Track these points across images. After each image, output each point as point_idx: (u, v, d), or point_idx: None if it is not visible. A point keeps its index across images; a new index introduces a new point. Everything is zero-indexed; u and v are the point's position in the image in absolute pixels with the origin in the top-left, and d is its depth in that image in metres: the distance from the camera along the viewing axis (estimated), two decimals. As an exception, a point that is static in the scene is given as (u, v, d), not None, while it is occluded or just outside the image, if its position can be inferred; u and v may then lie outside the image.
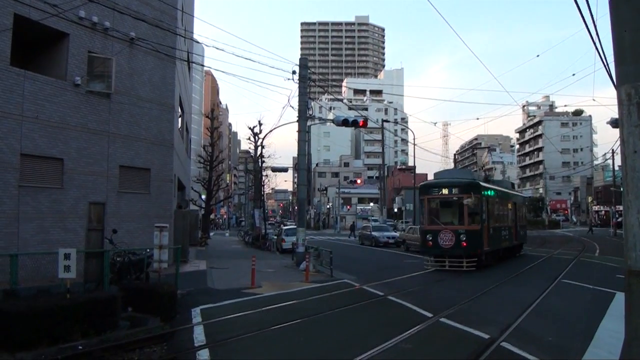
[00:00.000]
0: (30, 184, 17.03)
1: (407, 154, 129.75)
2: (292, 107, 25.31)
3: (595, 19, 11.19)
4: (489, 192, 24.34)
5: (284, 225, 47.96)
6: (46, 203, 17.51)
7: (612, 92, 9.63)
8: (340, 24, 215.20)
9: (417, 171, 61.32)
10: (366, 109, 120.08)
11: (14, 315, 8.62)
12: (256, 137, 48.89)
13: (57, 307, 9.12)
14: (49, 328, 8.88)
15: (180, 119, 27.82)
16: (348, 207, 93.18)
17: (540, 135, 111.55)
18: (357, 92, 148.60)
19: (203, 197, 54.63)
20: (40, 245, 16.66)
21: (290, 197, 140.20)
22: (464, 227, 22.02)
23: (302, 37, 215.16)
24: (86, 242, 12.61)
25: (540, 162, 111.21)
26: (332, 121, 26.22)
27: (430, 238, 22.53)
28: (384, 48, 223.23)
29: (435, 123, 68.42)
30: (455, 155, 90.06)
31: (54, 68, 18.55)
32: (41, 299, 9.48)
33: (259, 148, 48.20)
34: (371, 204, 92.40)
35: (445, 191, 23.25)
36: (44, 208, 17.38)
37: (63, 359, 8.17)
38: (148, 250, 14.67)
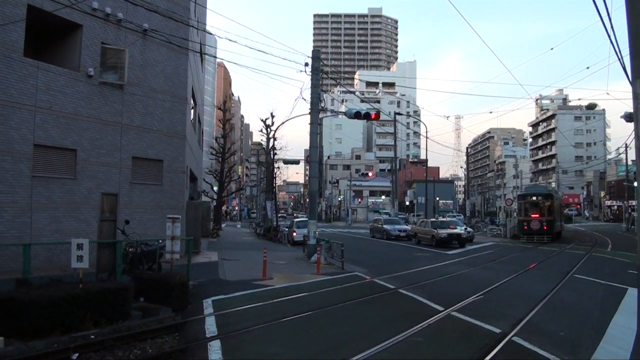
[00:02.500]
0: (43, 174, 17.14)
1: (419, 146, 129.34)
2: (304, 100, 25.28)
3: (610, 12, 11.10)
4: (555, 198, 41.28)
5: (295, 217, 48.04)
6: (59, 193, 17.62)
7: (627, 86, 9.53)
8: (353, 15, 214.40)
9: (429, 164, 61.12)
10: (378, 102, 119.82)
11: (26, 304, 8.69)
12: (268, 129, 48.99)
13: (70, 296, 9.19)
14: (61, 317, 8.95)
15: (192, 111, 27.86)
16: (359, 199, 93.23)
17: (553, 129, 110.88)
18: (369, 84, 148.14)
19: (215, 188, 54.75)
20: (53, 235, 16.78)
21: (302, 190, 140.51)
22: (545, 218, 38.04)
23: (314, 29, 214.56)
24: (99, 233, 12.67)
25: (553, 156, 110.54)
26: (345, 114, 26.12)
27: (525, 224, 38.58)
28: (396, 40, 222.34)
29: (447, 117, 68.35)
30: (467, 148, 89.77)
31: (67, 59, 18.62)
32: (54, 288, 9.54)
33: (271, 140, 48.24)
34: (383, 196, 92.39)
35: (534, 198, 39.80)
36: (56, 198, 17.50)
37: (75, 347, 8.23)
38: (160, 241, 14.71)
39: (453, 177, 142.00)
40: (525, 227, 38.38)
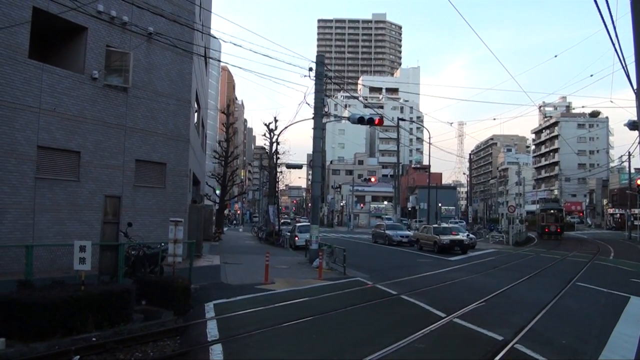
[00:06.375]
0: (46, 176, 17.18)
1: (422, 152, 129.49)
2: (308, 104, 25.26)
3: (614, 20, 11.11)
4: (564, 211, 63.01)
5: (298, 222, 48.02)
6: (62, 195, 17.65)
7: (631, 94, 9.54)
8: (357, 21, 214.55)
9: (432, 170, 61.11)
10: (382, 107, 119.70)
11: (28, 306, 8.71)
12: (271, 134, 48.99)
13: (72, 298, 9.20)
14: (63, 319, 8.97)
15: (196, 114, 27.91)
16: (362, 205, 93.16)
17: (556, 136, 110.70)
18: (372, 89, 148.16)
19: (217, 192, 54.75)
20: (56, 237, 16.82)
21: (304, 194, 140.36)
22: (558, 224, 54.51)
23: (318, 34, 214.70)
24: (101, 235, 12.69)
25: (556, 163, 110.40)
26: (348, 119, 26.10)
27: (546, 227, 54.09)
28: (400, 46, 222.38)
29: (451, 123, 68.43)
30: (470, 155, 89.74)
31: (72, 61, 18.68)
32: (56, 290, 9.55)
33: (274, 144, 48.27)
34: (385, 202, 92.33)
35: (552, 210, 56.70)
36: (60, 200, 17.53)
37: (77, 350, 8.23)
38: (163, 244, 14.72)
39: (456, 184, 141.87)
40: (546, 230, 54.17)
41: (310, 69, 23.58)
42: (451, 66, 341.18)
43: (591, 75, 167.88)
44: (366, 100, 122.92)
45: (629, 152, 53.69)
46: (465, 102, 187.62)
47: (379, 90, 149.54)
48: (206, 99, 40.04)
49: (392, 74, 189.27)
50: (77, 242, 10.43)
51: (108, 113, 19.26)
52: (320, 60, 24.76)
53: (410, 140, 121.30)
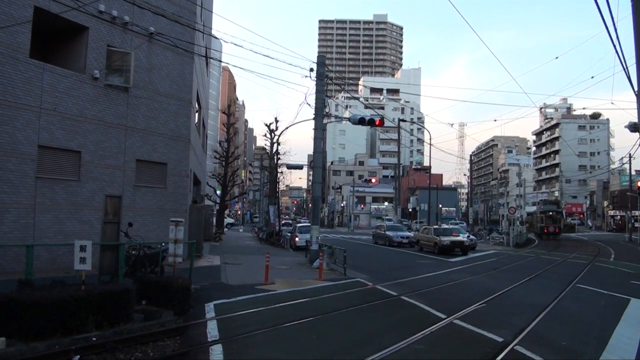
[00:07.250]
0: (47, 176, 17.17)
1: (422, 153, 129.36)
2: (309, 105, 25.24)
3: (615, 21, 11.12)
4: (563, 212, 66.41)
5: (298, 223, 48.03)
6: (63, 195, 17.65)
7: (631, 95, 9.55)
8: (358, 22, 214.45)
9: (433, 171, 61.11)
10: (382, 108, 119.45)
11: (29, 305, 8.69)
12: (272, 134, 48.93)
13: (72, 298, 9.19)
14: (63, 319, 8.95)
15: (197, 114, 27.90)
16: (362, 205, 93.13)
17: (557, 138, 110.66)
18: (373, 90, 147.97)
19: (218, 192, 54.72)
20: (56, 237, 16.81)
21: (305, 195, 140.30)
22: (557, 225, 56.31)
23: (319, 34, 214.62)
24: (102, 235, 12.67)
25: (557, 164, 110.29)
26: (349, 119, 26.07)
27: (545, 228, 55.81)
28: (401, 47, 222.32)
29: (452, 124, 68.62)
30: (471, 156, 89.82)
31: (73, 61, 18.68)
32: (56, 289, 9.54)
33: (275, 145, 48.22)
34: (385, 203, 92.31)
35: (550, 213, 57.84)
36: (60, 200, 17.53)
37: (77, 349, 8.23)
38: (163, 244, 14.71)
39: (456, 185, 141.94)
40: (545, 230, 56.21)
41: (311, 70, 23.58)
42: (452, 67, 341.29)
43: (592, 77, 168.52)
44: (367, 101, 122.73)
45: (630, 154, 54.11)
46: (466, 103, 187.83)
47: (379, 91, 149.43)
48: (207, 99, 40.05)
49: (393, 75, 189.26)
50: (77, 241, 10.42)
51: (109, 113, 19.27)
52: (321, 61, 24.75)
53: (411, 141, 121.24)
